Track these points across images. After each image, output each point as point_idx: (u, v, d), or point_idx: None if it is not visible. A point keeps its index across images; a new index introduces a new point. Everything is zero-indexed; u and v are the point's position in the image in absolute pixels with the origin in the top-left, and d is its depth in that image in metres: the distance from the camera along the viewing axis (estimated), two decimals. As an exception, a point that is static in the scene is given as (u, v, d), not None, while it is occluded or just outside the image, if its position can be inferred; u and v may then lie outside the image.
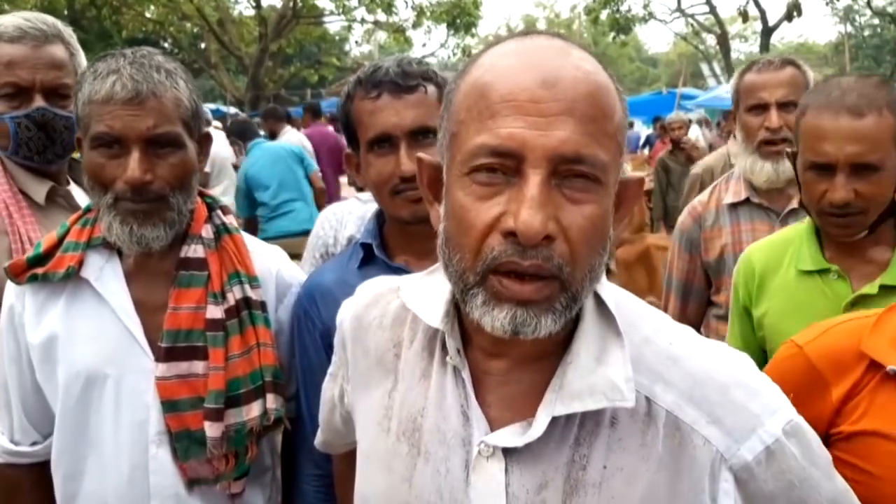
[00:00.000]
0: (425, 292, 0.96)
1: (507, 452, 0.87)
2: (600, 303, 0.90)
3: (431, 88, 1.49)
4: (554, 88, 0.79)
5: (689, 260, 2.40)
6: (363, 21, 20.15)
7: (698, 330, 2.35)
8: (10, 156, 1.79)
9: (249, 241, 1.58)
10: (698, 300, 2.41)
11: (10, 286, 1.49)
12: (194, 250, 1.48)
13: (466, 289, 0.83)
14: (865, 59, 35.20)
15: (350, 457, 1.23)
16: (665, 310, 2.43)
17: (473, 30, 19.90)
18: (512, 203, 0.79)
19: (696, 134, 8.36)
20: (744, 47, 39.51)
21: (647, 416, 0.87)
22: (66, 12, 17.58)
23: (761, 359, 1.90)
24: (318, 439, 1.28)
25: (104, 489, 1.44)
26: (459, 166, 0.83)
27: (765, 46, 22.43)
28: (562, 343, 0.88)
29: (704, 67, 29.60)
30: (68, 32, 1.84)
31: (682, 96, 14.37)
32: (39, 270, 1.45)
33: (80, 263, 1.45)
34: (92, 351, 1.43)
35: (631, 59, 46.81)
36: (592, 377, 0.85)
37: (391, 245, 1.57)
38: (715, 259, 2.33)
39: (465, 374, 0.91)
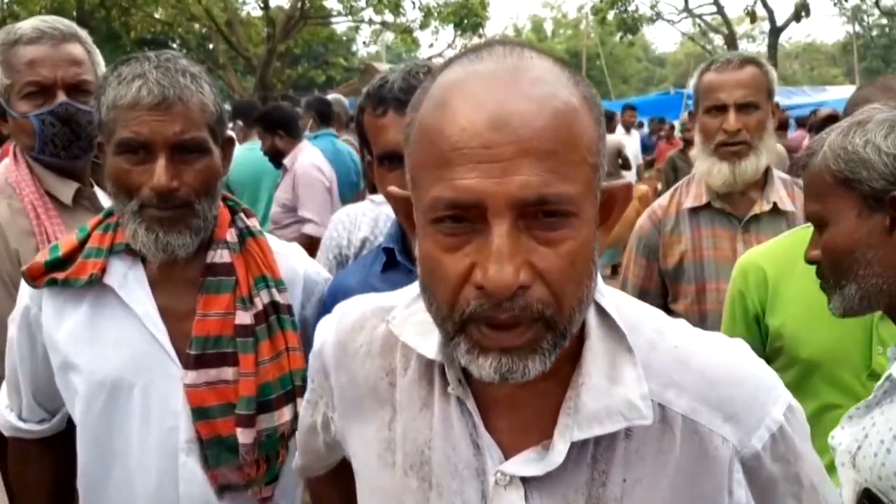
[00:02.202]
0: (416, 321, 0.90)
1: (526, 480, 0.85)
2: (603, 314, 0.88)
3: None
4: (505, 129, 0.73)
5: (645, 266, 2.29)
6: (371, 22, 20.19)
7: None
8: (36, 155, 1.81)
9: (273, 242, 1.58)
10: (655, 307, 2.34)
11: (25, 287, 1.48)
12: (220, 255, 1.47)
13: (448, 337, 0.80)
14: (874, 58, 35.06)
15: (330, 476, 1.23)
16: None
17: (481, 30, 19.90)
18: (480, 255, 0.75)
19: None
20: (751, 47, 39.38)
21: (662, 423, 0.86)
22: (74, 13, 17.65)
23: None
24: (297, 464, 1.23)
25: (131, 499, 1.43)
26: (423, 215, 0.79)
27: (773, 46, 22.36)
28: (566, 360, 0.85)
29: (712, 67, 29.47)
30: (84, 33, 1.87)
31: (690, 96, 14.35)
32: (59, 275, 1.43)
33: (103, 270, 1.43)
34: (117, 359, 1.42)
35: (638, 59, 46.70)
36: (608, 398, 0.83)
37: (413, 250, 1.58)
38: (674, 266, 2.23)
39: (471, 404, 0.88)
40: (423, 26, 19.54)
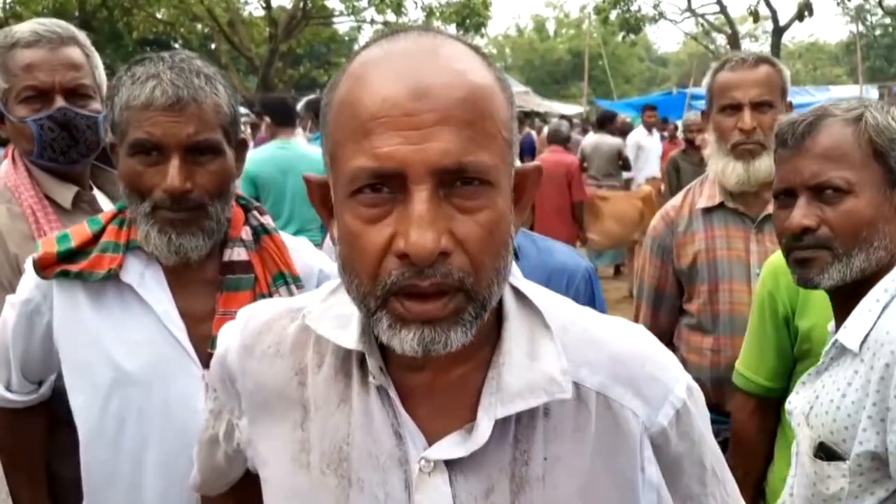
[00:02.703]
0: (333, 314, 0.91)
1: (450, 463, 0.86)
2: (519, 295, 0.90)
3: None
4: (425, 98, 0.75)
5: (660, 266, 2.30)
6: (373, 21, 20.18)
7: (670, 339, 2.30)
8: (34, 159, 1.80)
9: (287, 239, 1.57)
10: (670, 308, 2.32)
11: (31, 275, 1.46)
12: (237, 253, 1.46)
13: (370, 313, 0.80)
14: (877, 58, 35.00)
15: (229, 494, 1.20)
16: (636, 317, 2.36)
17: (483, 30, 19.91)
18: (401, 223, 0.76)
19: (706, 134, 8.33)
20: (754, 47, 39.36)
21: (578, 401, 0.88)
22: (76, 13, 17.68)
23: (790, 370, 1.88)
24: (194, 480, 1.20)
25: (141, 499, 1.42)
26: (343, 189, 0.79)
27: (776, 46, 22.33)
28: (484, 343, 0.87)
29: (714, 67, 29.43)
30: (82, 35, 1.85)
31: (693, 96, 14.32)
32: (73, 268, 1.41)
33: (121, 265, 1.41)
34: (138, 358, 1.41)
35: (640, 59, 46.67)
36: (530, 374, 0.85)
37: None
38: (688, 266, 2.23)
39: (392, 392, 0.88)
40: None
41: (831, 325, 1.50)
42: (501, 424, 0.86)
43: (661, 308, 2.32)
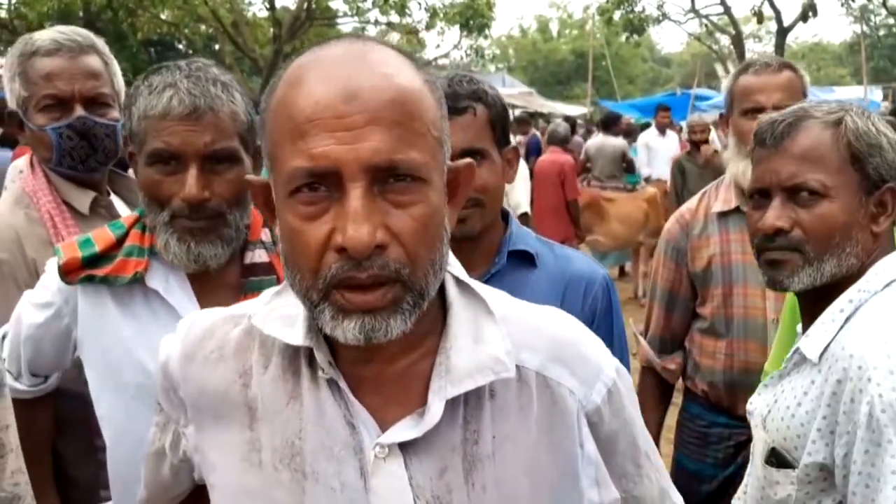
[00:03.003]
0: (279, 314, 0.94)
1: (404, 447, 0.89)
2: (461, 284, 0.95)
3: (481, 109, 1.50)
4: (356, 101, 0.80)
5: (674, 269, 2.30)
6: (377, 22, 20.19)
7: (682, 342, 2.32)
8: (53, 167, 1.82)
9: None
10: (683, 311, 2.31)
11: (52, 280, 1.47)
12: (258, 255, 1.47)
13: (313, 306, 0.84)
14: (881, 58, 34.93)
15: None
16: (648, 320, 2.37)
17: (487, 31, 19.90)
18: (338, 219, 0.80)
19: (711, 136, 8.28)
20: (757, 47, 39.30)
21: (520, 381, 0.93)
22: (81, 14, 17.71)
23: None
24: (141, 496, 1.20)
25: None
26: (282, 189, 0.84)
27: (780, 46, 22.28)
28: (430, 331, 0.92)
29: (718, 68, 29.46)
30: (101, 43, 1.87)
31: (697, 97, 14.32)
32: (98, 272, 1.41)
33: (146, 269, 1.42)
34: None
35: (644, 60, 46.59)
36: (476, 356, 0.90)
37: None
38: (702, 269, 2.23)
39: (343, 384, 0.91)
40: (429, 27, 19.52)
41: (799, 326, 1.52)
42: (451, 406, 0.90)
43: (674, 311, 2.32)
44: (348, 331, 0.82)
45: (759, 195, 1.46)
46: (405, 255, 0.82)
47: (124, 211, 1.88)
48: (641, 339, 2.39)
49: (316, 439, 0.91)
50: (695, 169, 7.25)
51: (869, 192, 1.38)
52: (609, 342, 1.59)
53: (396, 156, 0.80)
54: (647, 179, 9.68)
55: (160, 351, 1.05)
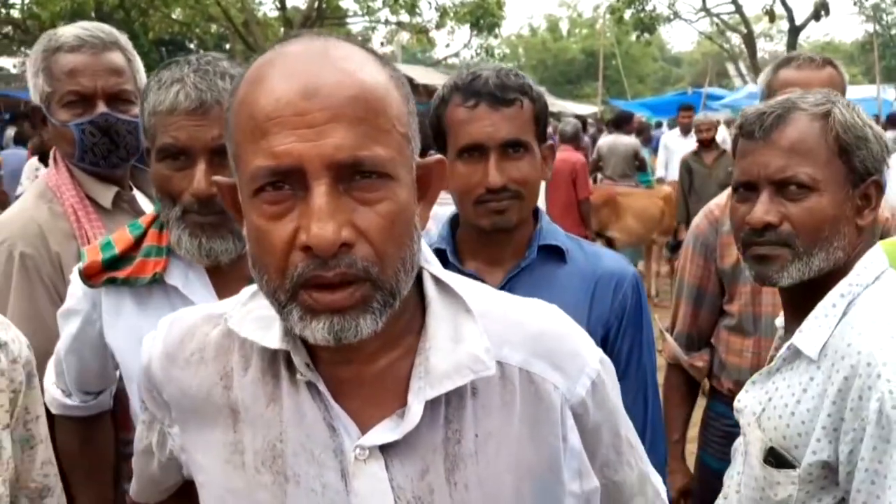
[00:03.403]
0: (255, 316, 0.92)
1: (384, 449, 0.88)
2: (441, 284, 0.93)
3: (527, 102, 1.50)
4: (316, 98, 0.78)
5: (703, 265, 2.24)
6: (387, 22, 20.23)
7: (709, 339, 2.28)
8: (76, 163, 1.82)
9: None
10: (711, 307, 2.26)
11: (77, 286, 1.48)
12: None
13: (281, 307, 0.82)
14: (893, 57, 34.73)
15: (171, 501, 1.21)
16: (675, 315, 2.34)
17: (497, 30, 19.91)
18: (303, 218, 0.78)
19: (722, 135, 8.21)
20: (769, 46, 39.14)
21: (503, 378, 0.92)
22: (93, 14, 17.81)
23: None
24: (133, 489, 1.21)
25: None
26: (246, 188, 0.82)
27: (792, 45, 22.18)
28: (409, 331, 0.91)
29: (730, 67, 29.38)
30: (124, 39, 1.87)
31: (709, 96, 14.28)
32: (119, 274, 1.42)
33: (165, 269, 1.42)
34: None
35: (654, 59, 46.49)
36: (455, 355, 0.89)
37: (463, 251, 1.61)
38: (731, 266, 2.17)
39: (322, 386, 0.89)
40: (439, 26, 19.58)
41: (779, 320, 1.51)
42: (432, 406, 0.89)
43: (701, 307, 2.28)
44: (317, 331, 0.80)
45: (744, 188, 1.43)
46: (373, 253, 0.80)
47: (147, 206, 1.89)
48: (668, 335, 2.36)
49: (296, 442, 0.90)
50: (702, 169, 7.12)
51: (855, 185, 1.37)
52: (638, 340, 1.59)
53: (360, 152, 0.78)
54: (660, 181, 9.52)
55: (142, 351, 1.03)
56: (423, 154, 1.26)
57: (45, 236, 1.74)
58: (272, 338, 0.90)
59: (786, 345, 1.41)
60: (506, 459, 0.91)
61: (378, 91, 0.82)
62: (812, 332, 1.35)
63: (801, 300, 1.41)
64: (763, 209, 1.38)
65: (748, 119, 1.42)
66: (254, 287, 0.94)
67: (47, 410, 1.47)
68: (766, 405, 1.40)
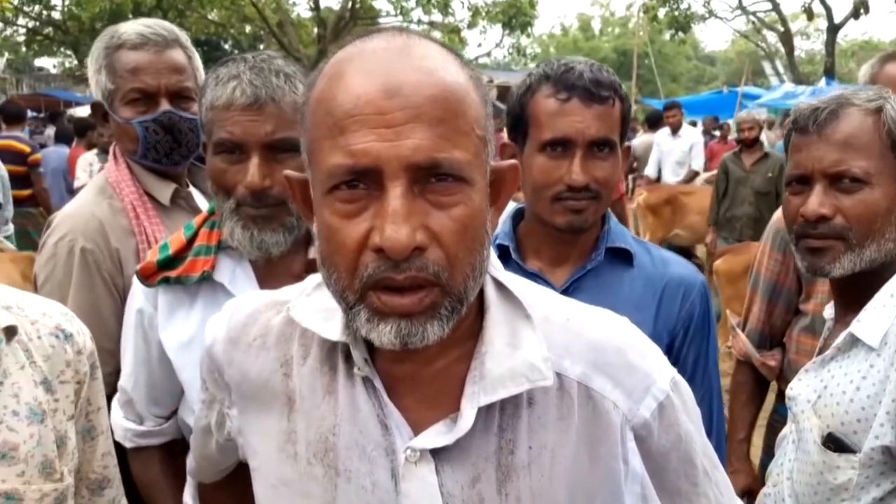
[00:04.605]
0: (318, 307, 0.92)
1: (436, 452, 0.87)
2: (500, 286, 0.91)
3: (617, 101, 1.48)
4: (397, 97, 0.77)
5: (781, 261, 2.19)
6: (419, 22, 20.25)
7: (781, 338, 2.22)
8: (138, 160, 1.84)
9: None
10: (786, 305, 2.20)
11: (138, 288, 1.52)
12: None
13: (349, 307, 0.82)
14: (935, 56, 33.90)
15: (223, 483, 1.21)
16: (748, 312, 2.28)
17: (529, 29, 19.84)
18: (377, 218, 0.77)
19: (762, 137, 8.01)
20: (806, 45, 38.44)
21: (560, 391, 0.89)
22: (131, 15, 18.09)
23: None
24: (190, 466, 1.22)
25: None
26: (321, 186, 0.81)
27: (830, 44, 21.77)
28: (468, 334, 0.89)
29: (766, 66, 28.91)
30: (184, 36, 1.89)
31: (745, 95, 14.08)
32: (172, 274, 1.46)
33: (213, 267, 1.46)
34: None
35: (688, 58, 45.97)
36: (511, 362, 0.87)
37: (525, 248, 1.57)
38: None
39: (378, 383, 0.89)
40: (471, 26, 19.56)
41: (828, 310, 1.52)
42: (486, 413, 0.87)
43: (777, 304, 2.22)
44: (384, 335, 0.80)
45: (797, 182, 1.47)
46: (444, 258, 0.78)
47: (203, 202, 1.91)
48: (740, 332, 2.30)
49: (349, 437, 0.90)
50: (739, 172, 6.63)
51: None
52: (705, 350, 1.56)
53: (439, 154, 0.77)
54: (658, 179, 9.22)
55: (206, 332, 1.04)
56: None
57: (106, 232, 1.76)
58: (333, 329, 0.90)
59: (843, 334, 1.41)
60: (561, 475, 0.88)
61: (458, 92, 0.80)
62: (872, 321, 1.35)
63: (852, 291, 1.44)
64: (817, 202, 1.42)
65: (802, 114, 1.46)
66: (318, 278, 0.93)
67: (118, 446, 1.46)
68: (821, 393, 1.40)
